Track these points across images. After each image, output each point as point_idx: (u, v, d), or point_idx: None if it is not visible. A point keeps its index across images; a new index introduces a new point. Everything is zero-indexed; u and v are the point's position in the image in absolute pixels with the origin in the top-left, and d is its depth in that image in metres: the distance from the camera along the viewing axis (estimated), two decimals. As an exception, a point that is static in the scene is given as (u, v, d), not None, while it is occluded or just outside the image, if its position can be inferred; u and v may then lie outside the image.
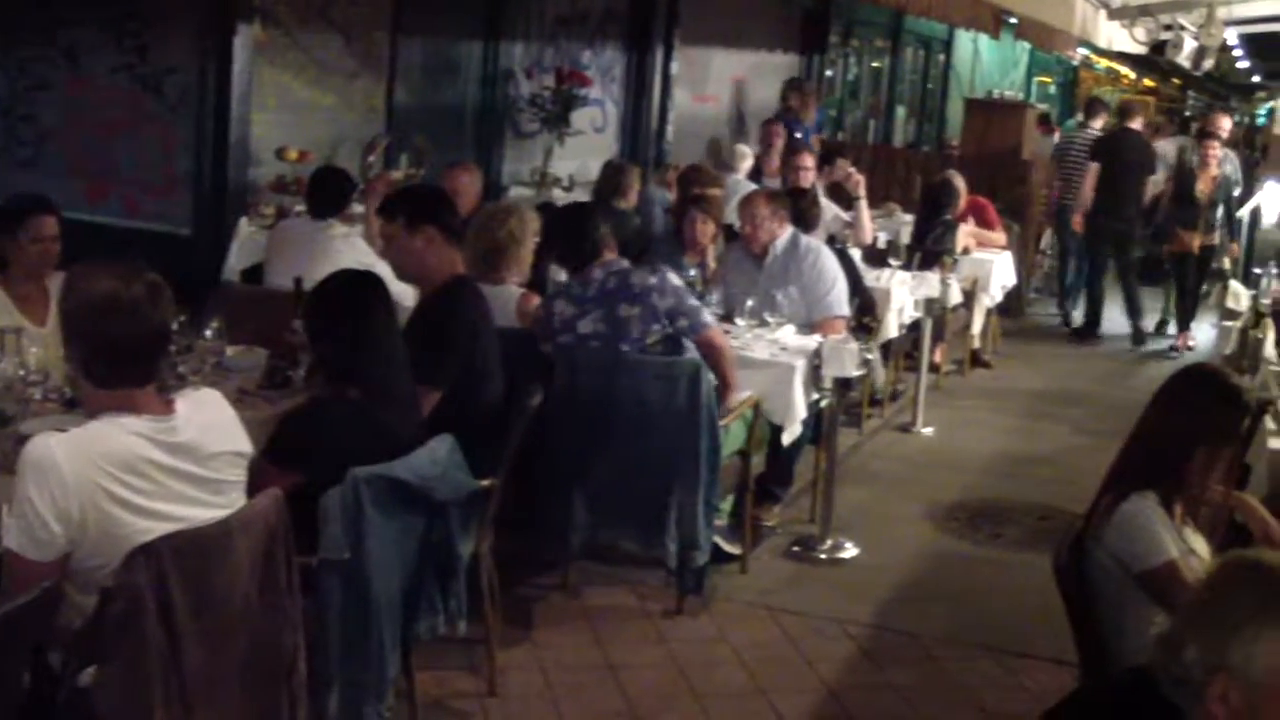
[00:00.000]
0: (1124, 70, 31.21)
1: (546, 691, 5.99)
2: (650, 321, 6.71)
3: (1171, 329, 15.56)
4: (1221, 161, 14.63)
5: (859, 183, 11.58)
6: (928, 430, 10.63)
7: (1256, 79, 31.77)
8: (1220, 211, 14.79)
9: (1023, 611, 6.96)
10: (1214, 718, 2.77)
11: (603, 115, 13.14)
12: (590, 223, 6.98)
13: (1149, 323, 15.57)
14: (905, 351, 11.39)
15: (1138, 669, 2.98)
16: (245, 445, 4.24)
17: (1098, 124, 16.17)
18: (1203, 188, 14.51)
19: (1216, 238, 14.84)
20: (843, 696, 6.18)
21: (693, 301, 7.01)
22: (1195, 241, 14.64)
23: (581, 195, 10.67)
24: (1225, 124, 15.81)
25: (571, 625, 6.67)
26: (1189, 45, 17.27)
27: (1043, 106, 22.59)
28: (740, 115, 15.74)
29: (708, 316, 7.06)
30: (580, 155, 12.32)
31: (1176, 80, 32.87)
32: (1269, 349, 9.08)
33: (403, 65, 10.72)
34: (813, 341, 7.94)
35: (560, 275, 8.07)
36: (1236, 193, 15.14)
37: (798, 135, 14.12)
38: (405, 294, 6.51)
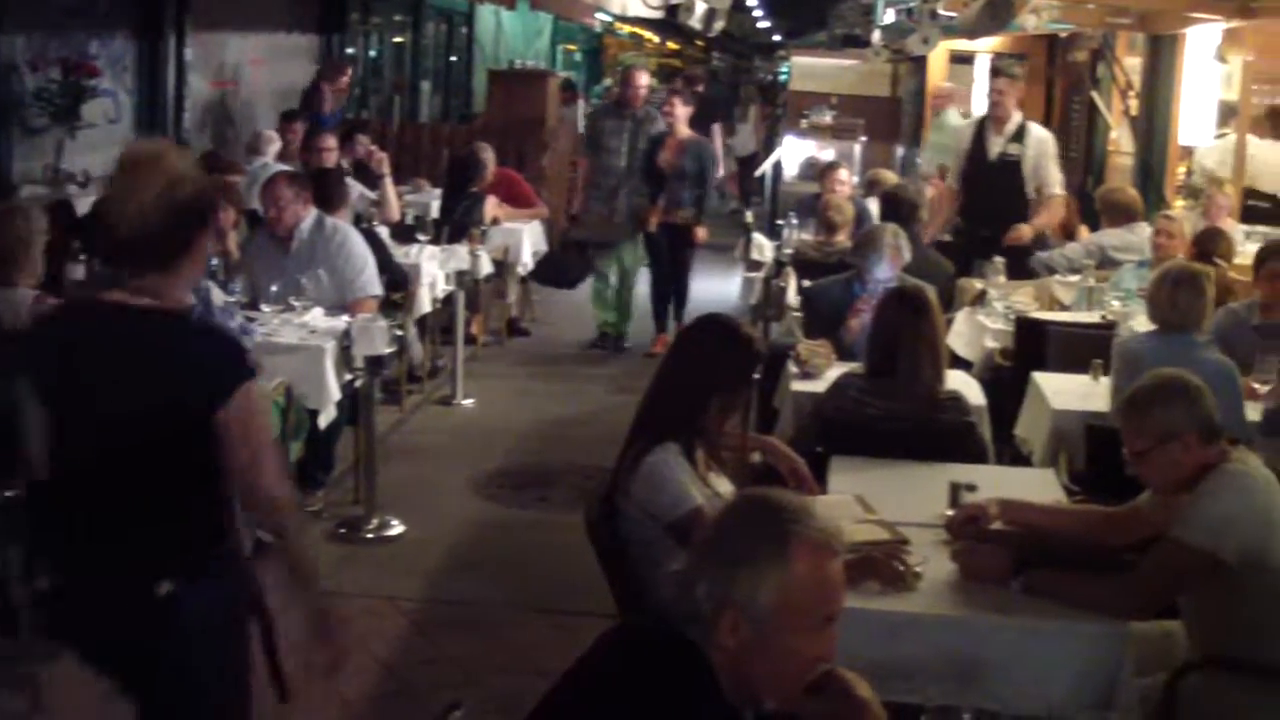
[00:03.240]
0: (647, 34, 31.90)
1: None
2: None
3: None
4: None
5: (382, 160, 11.53)
6: (469, 402, 10.69)
7: (777, 38, 32.87)
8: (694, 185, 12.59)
9: (573, 571, 7.02)
10: (726, 650, 2.88)
11: (116, 106, 12.70)
12: None
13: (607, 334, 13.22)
14: (442, 325, 11.40)
15: (660, 611, 3.06)
16: None
17: None
18: (667, 156, 12.41)
19: (690, 215, 12.63)
20: (400, 673, 6.20)
21: (234, 322, 6.88)
22: (655, 219, 12.61)
23: (100, 191, 10.30)
24: (642, 80, 12.97)
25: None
26: (700, 8, 17.70)
27: (566, 74, 22.90)
28: (262, 99, 15.47)
29: (248, 343, 6.93)
30: (96, 149, 11.91)
31: (700, 42, 33.76)
32: (791, 296, 9.43)
33: (-107, 64, 10.17)
34: (341, 322, 7.92)
35: (77, 273, 7.82)
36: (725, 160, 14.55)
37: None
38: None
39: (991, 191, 10.80)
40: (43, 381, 3.87)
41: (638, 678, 2.88)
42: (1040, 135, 11.15)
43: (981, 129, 10.96)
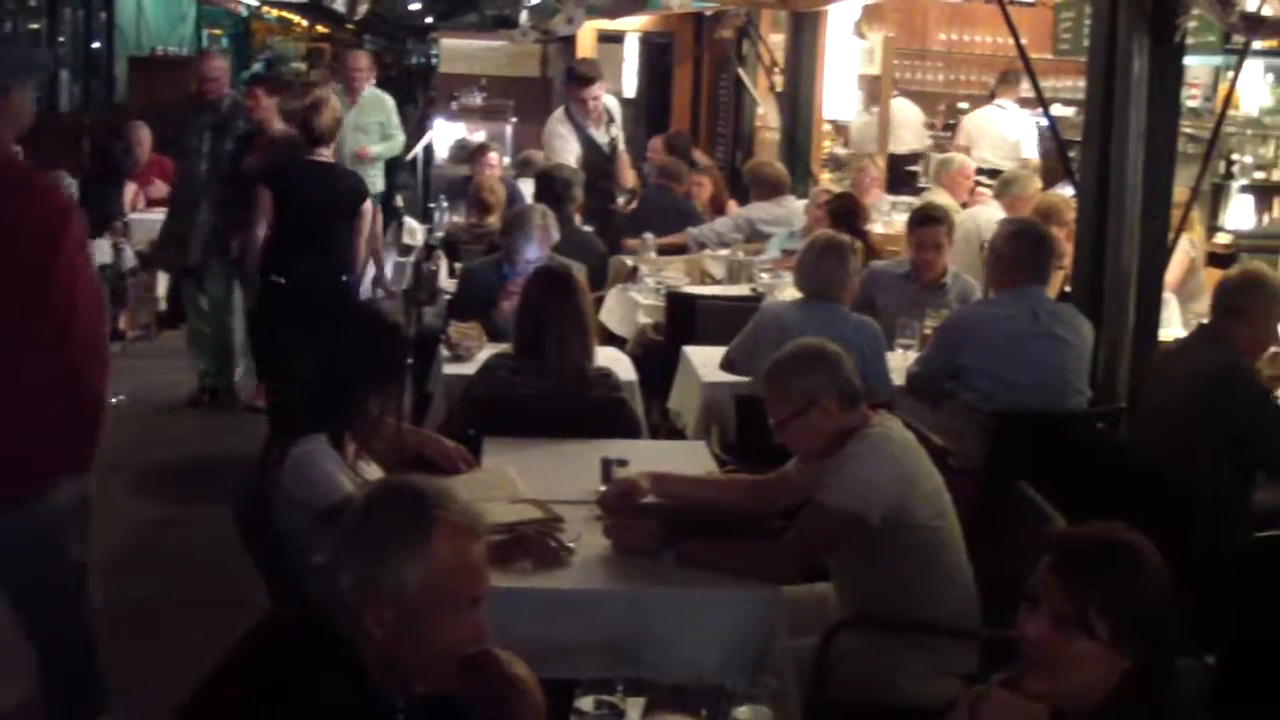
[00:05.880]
0: (295, 18, 31.44)
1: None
2: None
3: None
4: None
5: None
6: (120, 398, 10.32)
7: (429, 20, 32.61)
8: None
9: (237, 564, 6.92)
10: (373, 638, 2.87)
11: None
12: None
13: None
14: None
15: (313, 602, 3.04)
16: None
17: None
18: (254, 160, 9.86)
19: None
20: (59, 678, 6.01)
21: None
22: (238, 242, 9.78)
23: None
24: (216, 63, 10.79)
25: None
26: (343, -10, 17.51)
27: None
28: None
29: None
30: None
31: (350, 25, 33.35)
32: (443, 280, 9.42)
33: None
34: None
35: None
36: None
37: None
38: None
39: (610, 177, 11.74)
40: (288, 186, 8.91)
41: (280, 671, 2.85)
42: (613, 104, 12.25)
43: (577, 125, 11.53)
